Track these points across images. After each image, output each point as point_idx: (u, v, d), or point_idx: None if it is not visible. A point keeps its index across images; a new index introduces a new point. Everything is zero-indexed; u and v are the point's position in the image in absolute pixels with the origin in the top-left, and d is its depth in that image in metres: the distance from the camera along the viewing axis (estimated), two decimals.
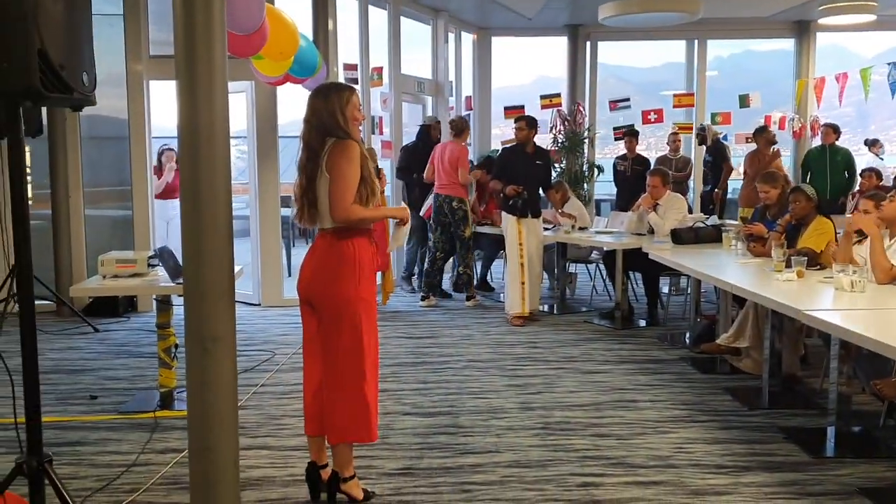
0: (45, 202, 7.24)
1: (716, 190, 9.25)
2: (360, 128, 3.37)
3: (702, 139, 9.49)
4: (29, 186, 8.02)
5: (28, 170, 7.81)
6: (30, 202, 7.65)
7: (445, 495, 3.45)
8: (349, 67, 7.73)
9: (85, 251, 7.31)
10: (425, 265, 7.91)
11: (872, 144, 10.70)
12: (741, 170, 9.57)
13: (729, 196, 9.80)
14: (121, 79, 7.30)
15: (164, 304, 4.65)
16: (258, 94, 7.42)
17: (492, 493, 3.47)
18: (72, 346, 6.18)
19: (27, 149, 7.62)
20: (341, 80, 7.61)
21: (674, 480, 3.60)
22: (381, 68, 8.18)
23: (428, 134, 8.23)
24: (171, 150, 8.30)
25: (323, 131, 3.21)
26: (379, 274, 7.58)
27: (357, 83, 7.81)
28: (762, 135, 8.81)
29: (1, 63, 2.05)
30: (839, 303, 3.97)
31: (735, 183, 10.32)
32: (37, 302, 6.77)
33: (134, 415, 4.51)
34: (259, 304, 7.70)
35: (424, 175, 7.79)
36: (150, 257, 4.67)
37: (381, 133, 8.33)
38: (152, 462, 3.81)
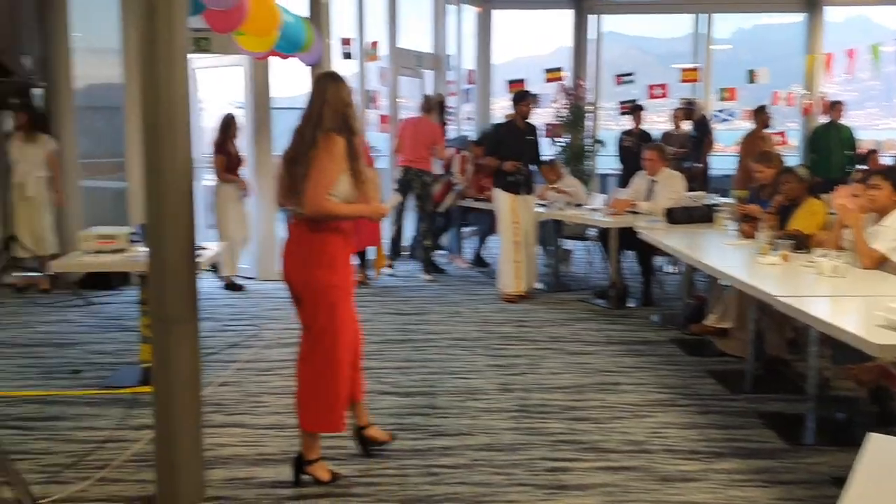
0: None
1: (695, 164, 9.08)
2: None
3: (687, 114, 9.33)
4: None
5: None
6: None
7: (412, 478, 3.45)
8: (345, 42, 7.66)
9: (83, 224, 7.32)
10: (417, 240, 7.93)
11: None
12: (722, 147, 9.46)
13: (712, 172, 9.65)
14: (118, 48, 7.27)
15: (146, 279, 4.66)
16: (254, 67, 7.37)
17: (459, 476, 3.47)
18: (64, 320, 6.23)
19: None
20: (337, 54, 7.56)
21: (644, 466, 3.59)
22: (377, 42, 8.09)
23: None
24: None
25: (320, 117, 3.20)
26: (372, 249, 7.59)
27: (351, 57, 7.76)
28: (760, 115, 8.68)
29: None
30: (817, 289, 3.91)
31: (720, 161, 10.18)
32: (33, 274, 6.83)
33: (114, 390, 4.54)
34: (254, 279, 7.72)
35: (392, 148, 7.76)
36: (132, 233, 4.67)
37: (377, 107, 8.26)
38: (126, 438, 3.84)
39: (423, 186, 7.54)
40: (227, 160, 7.08)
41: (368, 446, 3.65)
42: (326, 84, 3.27)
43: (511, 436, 3.93)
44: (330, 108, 3.20)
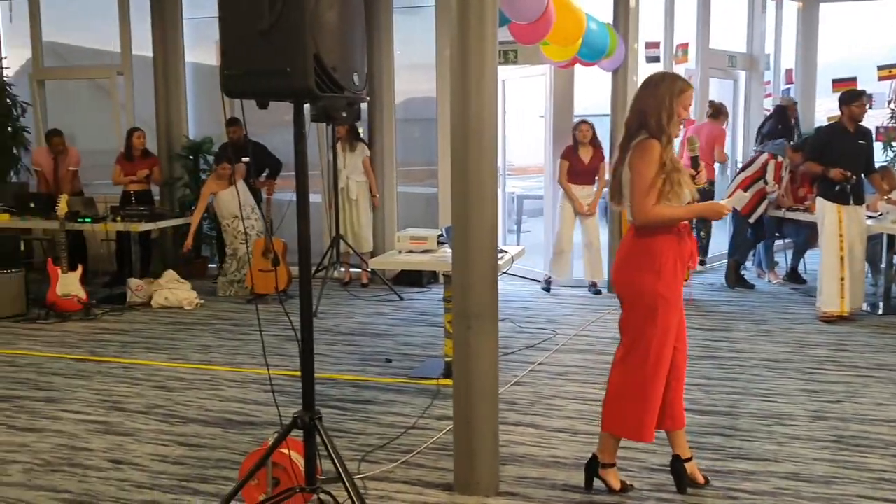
0: None
1: None
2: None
3: None
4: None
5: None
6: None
7: (708, 499, 3.28)
8: (651, 46, 7.50)
9: (395, 225, 8.00)
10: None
11: None
12: None
13: None
14: (432, 65, 7.85)
15: (451, 278, 4.95)
16: (556, 76, 7.50)
17: (761, 503, 3.23)
18: (379, 312, 6.84)
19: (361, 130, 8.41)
20: (641, 58, 7.42)
21: None
22: (687, 44, 7.82)
23: (785, 114, 8.08)
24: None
25: (640, 120, 3.16)
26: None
27: (659, 61, 7.58)
28: None
29: (285, 68, 2.33)
30: None
31: None
32: (353, 270, 7.58)
33: (420, 380, 4.88)
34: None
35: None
36: (440, 235, 4.99)
37: None
38: (429, 427, 4.10)
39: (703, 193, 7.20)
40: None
41: (683, 482, 3.35)
42: (661, 83, 3.16)
43: (823, 467, 3.57)
44: (665, 108, 3.10)
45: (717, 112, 7.88)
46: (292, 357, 5.31)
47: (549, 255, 7.57)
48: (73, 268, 6.83)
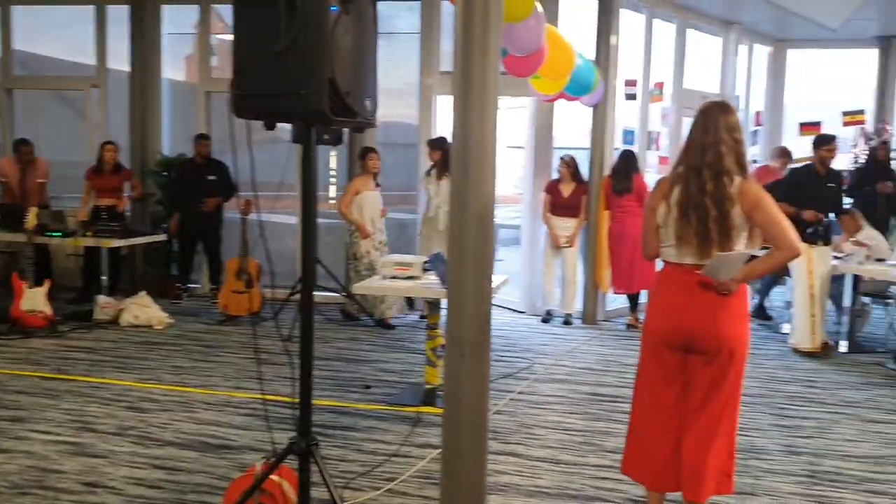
0: None
1: None
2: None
3: None
4: (332, 188, 8.99)
5: (333, 172, 8.74)
6: (332, 201, 8.55)
7: None
8: (629, 83, 7.65)
9: None
10: None
11: None
12: None
13: None
14: (415, 90, 7.90)
15: (434, 305, 4.97)
16: (538, 108, 7.61)
17: None
18: (354, 337, 6.79)
19: (333, 153, 8.51)
20: (620, 95, 7.56)
21: None
22: (663, 83, 7.99)
23: (875, 157, 8.32)
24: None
25: (735, 160, 2.97)
26: (645, 292, 7.46)
27: (636, 98, 7.72)
28: None
29: (299, 90, 2.34)
30: None
31: None
32: (329, 293, 7.52)
33: (400, 407, 4.85)
34: (524, 312, 7.89)
35: None
36: (425, 262, 5.00)
37: (658, 148, 8.14)
38: (411, 455, 4.08)
39: None
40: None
41: None
42: (730, 117, 3.00)
43: (799, 502, 3.63)
44: (739, 148, 2.98)
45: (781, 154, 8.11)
46: (268, 381, 5.24)
47: (545, 288, 7.69)
48: (38, 283, 6.68)
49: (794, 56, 10.25)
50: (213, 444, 4.19)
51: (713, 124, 2.98)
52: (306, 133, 2.56)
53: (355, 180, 7.28)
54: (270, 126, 2.59)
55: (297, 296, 6.82)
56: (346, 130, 2.83)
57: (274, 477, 2.86)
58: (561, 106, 7.47)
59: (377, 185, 7.22)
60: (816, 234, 6.33)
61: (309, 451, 2.68)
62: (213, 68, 8.50)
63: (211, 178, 7.68)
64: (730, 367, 3.04)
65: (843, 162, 9.06)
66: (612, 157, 7.51)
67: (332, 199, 8.68)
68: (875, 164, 8.30)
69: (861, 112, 9.34)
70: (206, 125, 8.35)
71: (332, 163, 8.66)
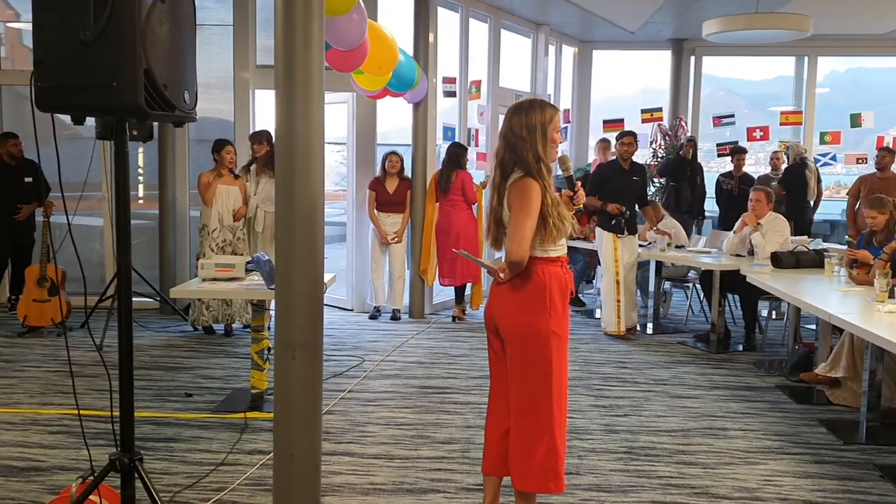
0: (156, 202, 7.61)
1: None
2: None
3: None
4: (140, 187, 8.50)
5: (140, 170, 8.27)
6: (140, 201, 8.12)
7: None
8: (448, 80, 7.80)
9: (188, 252, 7.62)
10: None
11: None
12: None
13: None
14: (229, 84, 7.62)
15: (259, 308, 4.82)
16: (359, 105, 7.58)
17: None
18: (172, 344, 6.46)
19: (140, 150, 8.06)
20: (439, 91, 7.70)
21: None
22: (480, 81, 8.22)
23: (686, 155, 8.94)
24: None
25: (515, 155, 2.96)
26: (470, 284, 7.65)
27: (455, 96, 7.89)
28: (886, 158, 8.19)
29: (111, 82, 2.17)
30: None
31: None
32: (142, 299, 7.11)
33: (225, 414, 4.67)
34: (352, 310, 7.85)
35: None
36: (248, 263, 4.83)
37: (477, 145, 8.36)
38: (240, 462, 3.94)
39: None
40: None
41: None
42: (533, 109, 2.98)
43: (620, 477, 3.86)
44: (540, 135, 2.94)
45: None
46: (79, 394, 4.86)
47: (370, 283, 7.69)
48: None
49: (598, 57, 10.90)
50: (20, 467, 3.84)
51: (506, 122, 3.04)
52: (121, 128, 2.37)
53: (208, 174, 6.70)
54: (79, 120, 2.39)
55: (107, 302, 6.57)
56: (155, 125, 2.67)
57: (93, 497, 2.65)
58: (382, 103, 7.48)
59: (236, 177, 6.70)
60: (620, 226, 6.76)
61: (133, 466, 2.50)
62: (1, 59, 7.76)
63: (28, 179, 6.99)
64: (514, 354, 3.03)
65: (643, 156, 9.75)
66: (434, 154, 7.64)
67: (141, 199, 8.22)
68: (682, 160, 8.95)
69: (659, 110, 10.10)
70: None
71: (140, 160, 8.18)
